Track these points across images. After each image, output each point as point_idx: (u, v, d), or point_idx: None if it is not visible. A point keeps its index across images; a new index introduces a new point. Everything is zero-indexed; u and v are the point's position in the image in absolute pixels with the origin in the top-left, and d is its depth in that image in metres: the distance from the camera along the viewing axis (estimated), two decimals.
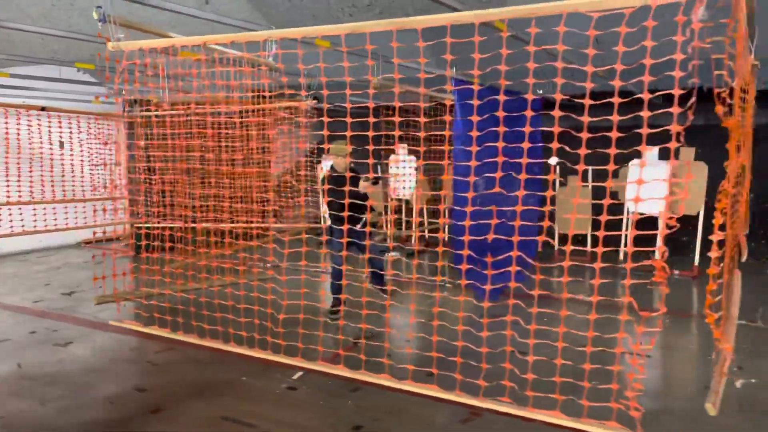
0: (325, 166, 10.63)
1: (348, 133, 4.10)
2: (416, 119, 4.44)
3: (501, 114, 3.41)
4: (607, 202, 3.59)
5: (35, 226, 7.88)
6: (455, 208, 5.46)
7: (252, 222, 7.79)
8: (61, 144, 7.11)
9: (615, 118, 2.81)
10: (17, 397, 4.43)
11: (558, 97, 2.97)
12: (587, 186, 9.50)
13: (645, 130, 2.52)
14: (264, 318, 5.05)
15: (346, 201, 4.61)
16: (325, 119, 4.10)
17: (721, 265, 2.80)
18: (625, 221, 8.95)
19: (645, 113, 2.53)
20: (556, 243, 9.75)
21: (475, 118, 3.89)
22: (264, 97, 6.66)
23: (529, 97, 3.24)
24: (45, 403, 4.30)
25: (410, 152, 10.34)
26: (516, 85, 4.00)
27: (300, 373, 4.76)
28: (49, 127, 7.65)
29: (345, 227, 5.04)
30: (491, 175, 4.28)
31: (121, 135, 7.69)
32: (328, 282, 6.32)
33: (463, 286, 4.43)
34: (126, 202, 8.70)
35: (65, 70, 7.79)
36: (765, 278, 8.44)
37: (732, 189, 4.86)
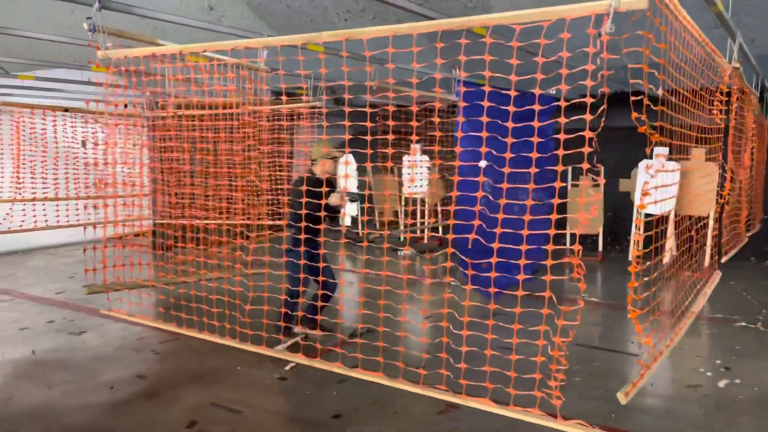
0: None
1: (368, 137, 4.03)
2: (424, 120, 4.47)
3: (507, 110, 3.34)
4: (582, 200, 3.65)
5: (57, 221, 8.28)
6: (460, 208, 5.55)
7: (264, 220, 8.05)
8: (83, 143, 7.48)
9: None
10: (27, 380, 4.75)
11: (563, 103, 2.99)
12: (599, 186, 9.49)
13: (562, 136, 2.62)
14: (260, 313, 5.26)
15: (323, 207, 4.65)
16: (346, 123, 4.04)
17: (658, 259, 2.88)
18: (634, 221, 8.90)
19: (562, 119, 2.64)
20: (567, 243, 9.76)
21: (484, 119, 3.84)
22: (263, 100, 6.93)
23: (536, 102, 3.22)
24: (52, 387, 4.60)
25: (424, 152, 10.48)
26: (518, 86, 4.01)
27: (292, 365, 4.96)
28: (73, 126, 8.05)
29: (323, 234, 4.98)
30: (500, 169, 4.27)
31: (141, 136, 8.02)
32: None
33: (469, 286, 4.49)
34: (146, 200, 9.05)
35: (87, 73, 8.17)
36: None
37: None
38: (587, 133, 2.41)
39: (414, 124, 4.35)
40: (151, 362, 5.15)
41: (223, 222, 6.37)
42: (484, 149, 4.27)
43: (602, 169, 9.66)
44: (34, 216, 8.50)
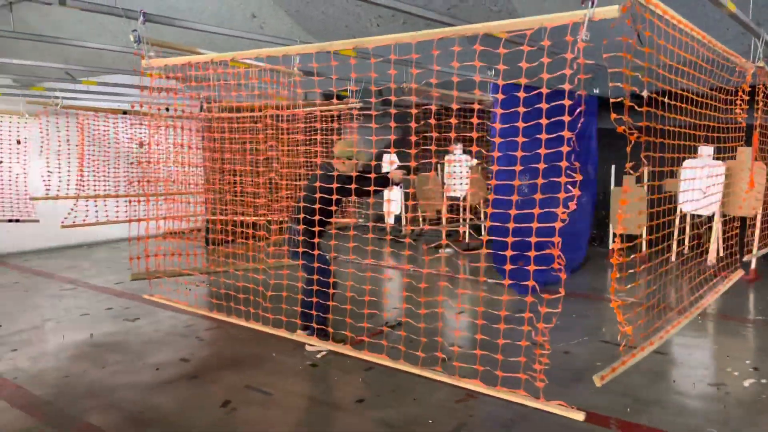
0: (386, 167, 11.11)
1: (413, 138, 4.11)
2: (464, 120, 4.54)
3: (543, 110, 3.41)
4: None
5: (117, 217, 8.84)
6: (495, 210, 5.61)
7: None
8: (141, 144, 8.00)
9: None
10: (84, 360, 5.21)
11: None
12: (642, 186, 9.39)
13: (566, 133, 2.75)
14: (296, 302, 5.54)
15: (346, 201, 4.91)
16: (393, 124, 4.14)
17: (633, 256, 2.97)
18: (678, 221, 8.79)
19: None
20: (610, 242, 9.69)
21: (520, 124, 3.92)
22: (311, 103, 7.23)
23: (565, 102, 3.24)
24: (104, 367, 5.04)
25: (465, 152, 10.60)
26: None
27: (324, 353, 5.24)
28: (131, 128, 8.62)
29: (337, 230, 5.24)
30: (535, 165, 4.31)
31: (193, 137, 8.51)
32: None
33: (506, 284, 4.55)
34: (201, 198, 9.54)
35: (146, 79, 8.72)
36: None
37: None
38: (566, 134, 2.55)
39: (453, 121, 4.46)
40: (195, 347, 5.53)
41: (265, 218, 6.71)
42: (519, 152, 4.40)
43: (646, 169, 9.57)
44: (96, 211, 9.13)
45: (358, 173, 5.08)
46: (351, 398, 4.42)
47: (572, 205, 2.96)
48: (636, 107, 2.50)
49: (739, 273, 5.06)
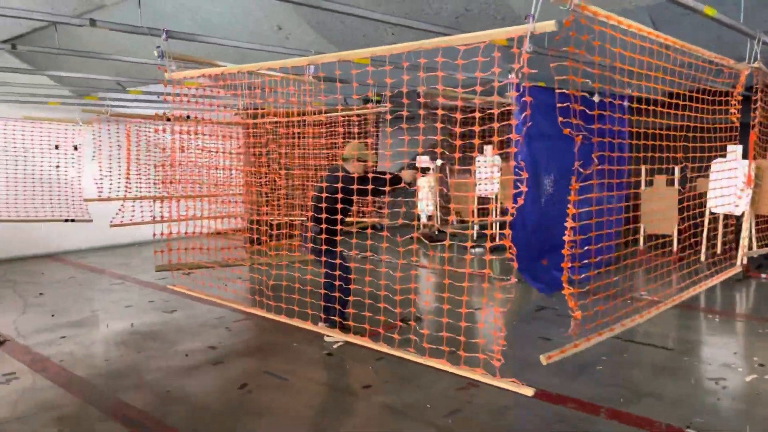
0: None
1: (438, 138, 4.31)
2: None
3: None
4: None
5: (162, 217, 9.41)
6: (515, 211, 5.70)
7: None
8: (182, 149, 8.50)
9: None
10: (123, 346, 5.71)
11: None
12: (673, 186, 9.36)
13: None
14: (318, 296, 5.88)
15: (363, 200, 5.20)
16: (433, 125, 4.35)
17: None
18: (706, 220, 8.72)
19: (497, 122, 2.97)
20: (641, 242, 9.69)
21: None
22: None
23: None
24: (140, 352, 5.51)
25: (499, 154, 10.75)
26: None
27: (340, 343, 5.57)
28: (186, 133, 9.17)
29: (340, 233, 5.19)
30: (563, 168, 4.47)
31: (234, 142, 9.01)
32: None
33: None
34: (243, 199, 10.05)
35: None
36: None
37: None
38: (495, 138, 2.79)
39: (476, 128, 4.66)
40: (223, 336, 5.96)
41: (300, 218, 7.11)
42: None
43: (678, 169, 9.52)
44: (142, 212, 9.75)
45: (368, 174, 5.35)
46: (359, 384, 4.74)
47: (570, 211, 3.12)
48: (587, 111, 2.71)
49: (736, 269, 5.11)
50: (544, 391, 4.51)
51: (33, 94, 8.85)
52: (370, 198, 5.30)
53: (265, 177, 8.00)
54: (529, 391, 2.97)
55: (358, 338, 4.46)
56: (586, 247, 4.63)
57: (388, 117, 4.41)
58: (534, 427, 3.98)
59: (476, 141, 3.49)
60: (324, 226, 5.32)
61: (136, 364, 5.23)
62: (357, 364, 5.15)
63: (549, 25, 2.44)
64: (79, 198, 9.60)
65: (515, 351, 5.32)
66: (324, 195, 5.45)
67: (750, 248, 7.75)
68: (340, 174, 5.30)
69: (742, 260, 5.59)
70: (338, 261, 5.13)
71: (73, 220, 9.44)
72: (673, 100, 3.88)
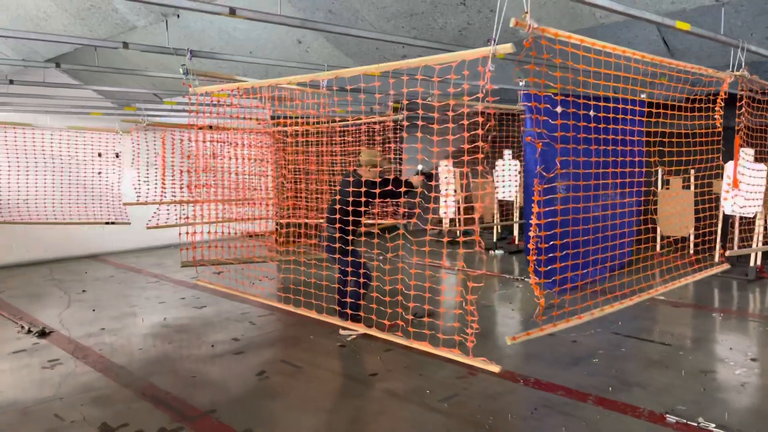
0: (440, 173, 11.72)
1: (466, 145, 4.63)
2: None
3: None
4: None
5: (194, 219, 9.99)
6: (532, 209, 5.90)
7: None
8: (213, 155, 9.06)
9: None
10: (156, 337, 6.21)
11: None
12: (689, 188, 9.48)
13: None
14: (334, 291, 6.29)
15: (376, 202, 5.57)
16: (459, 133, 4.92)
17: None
18: (720, 222, 8.82)
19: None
20: (657, 244, 9.82)
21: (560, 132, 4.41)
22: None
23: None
24: (171, 343, 6.01)
25: (515, 156, 11.03)
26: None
27: (354, 336, 5.97)
28: (207, 141, 9.75)
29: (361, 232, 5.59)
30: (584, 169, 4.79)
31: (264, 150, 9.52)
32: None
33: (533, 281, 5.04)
34: (272, 203, 10.55)
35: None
36: None
37: None
38: (476, 144, 3.14)
39: (480, 132, 5.03)
40: (246, 330, 6.41)
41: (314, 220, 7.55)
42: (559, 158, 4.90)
43: (692, 171, 9.63)
44: (176, 214, 10.34)
45: (379, 179, 5.73)
46: (367, 372, 5.13)
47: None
48: (551, 120, 3.05)
49: (724, 266, 5.32)
50: (537, 380, 4.83)
51: (77, 105, 9.53)
52: (377, 200, 5.67)
53: (291, 182, 8.48)
54: (495, 368, 3.30)
55: (365, 327, 4.86)
56: (592, 247, 4.94)
57: (405, 124, 4.77)
58: (519, 409, 4.30)
59: (486, 145, 3.81)
60: (338, 225, 5.73)
61: (167, 353, 5.72)
62: (367, 354, 5.54)
63: (507, 48, 2.79)
64: (119, 202, 10.25)
65: (516, 345, 5.62)
66: (338, 197, 5.87)
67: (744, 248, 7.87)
68: (351, 179, 5.72)
69: (723, 257, 5.80)
70: (350, 258, 5.54)
71: (113, 223, 10.08)
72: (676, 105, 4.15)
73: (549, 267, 5.45)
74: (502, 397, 4.53)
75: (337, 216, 5.71)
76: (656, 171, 9.81)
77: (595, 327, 6.19)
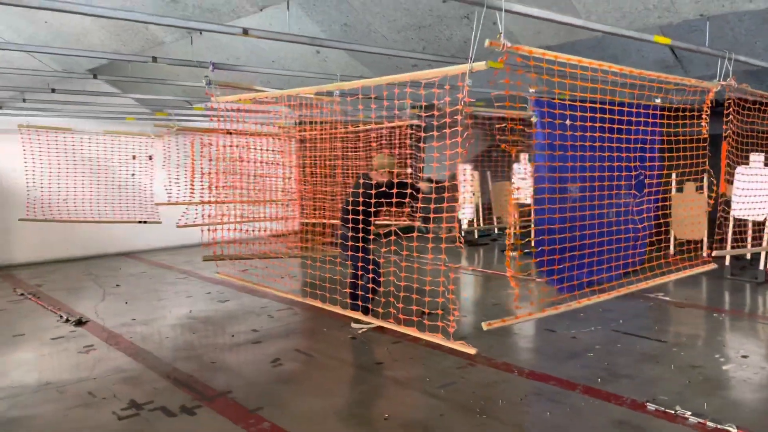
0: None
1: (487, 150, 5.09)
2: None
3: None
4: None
5: (221, 219, 10.51)
6: (542, 212, 6.11)
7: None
8: (240, 158, 9.55)
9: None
10: (181, 328, 6.69)
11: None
12: (702, 192, 9.60)
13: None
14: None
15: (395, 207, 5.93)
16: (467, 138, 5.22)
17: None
18: (731, 225, 8.95)
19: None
20: (671, 248, 9.96)
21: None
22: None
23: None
24: (195, 332, 6.48)
25: (531, 160, 11.29)
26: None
27: (364, 329, 6.34)
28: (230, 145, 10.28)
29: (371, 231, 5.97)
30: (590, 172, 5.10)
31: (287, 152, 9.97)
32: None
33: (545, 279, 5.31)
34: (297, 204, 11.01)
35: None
36: None
37: None
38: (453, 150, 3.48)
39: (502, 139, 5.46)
40: (265, 322, 6.85)
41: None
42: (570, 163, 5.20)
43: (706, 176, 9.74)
44: (202, 215, 10.88)
45: (392, 183, 6.10)
46: (373, 362, 5.50)
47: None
48: (525, 129, 3.38)
49: (711, 266, 5.54)
50: (532, 371, 5.14)
51: (113, 111, 10.14)
52: (386, 202, 6.02)
53: (311, 185, 8.90)
54: (472, 350, 3.64)
55: (373, 318, 5.25)
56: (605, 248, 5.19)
57: (422, 124, 5.13)
58: (511, 396, 4.61)
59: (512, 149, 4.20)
60: (351, 225, 6.11)
61: (190, 341, 6.19)
62: (375, 346, 5.91)
63: (481, 65, 3.14)
64: (151, 202, 10.83)
65: (518, 339, 6.03)
66: (350, 199, 6.26)
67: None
68: (362, 181, 6.11)
69: (710, 257, 6.05)
70: (360, 254, 5.93)
71: (145, 222, 10.65)
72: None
73: (558, 266, 5.75)
74: (496, 385, 4.86)
75: (350, 216, 6.10)
76: (670, 174, 9.95)
77: (596, 324, 6.46)
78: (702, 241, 9.79)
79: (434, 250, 4.42)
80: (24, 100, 8.82)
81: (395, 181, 6.20)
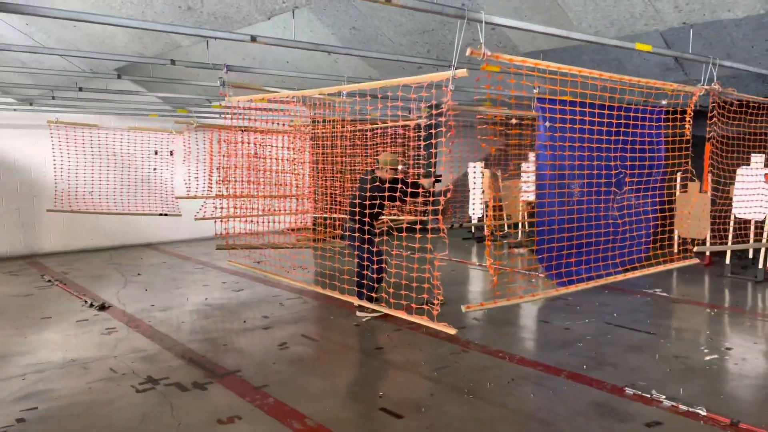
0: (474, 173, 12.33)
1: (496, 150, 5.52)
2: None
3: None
4: None
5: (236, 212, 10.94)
6: (542, 208, 6.33)
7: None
8: (256, 155, 9.96)
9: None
10: (196, 314, 7.11)
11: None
12: (706, 192, 9.76)
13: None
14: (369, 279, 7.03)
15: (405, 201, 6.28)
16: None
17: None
18: (731, 224, 9.13)
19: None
20: (675, 246, 10.15)
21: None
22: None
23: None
24: (209, 318, 6.89)
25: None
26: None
27: (368, 317, 6.70)
28: (251, 142, 10.71)
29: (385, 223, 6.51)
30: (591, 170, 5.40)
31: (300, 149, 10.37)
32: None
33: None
34: (309, 199, 11.40)
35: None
36: None
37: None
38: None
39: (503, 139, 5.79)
40: (276, 309, 7.24)
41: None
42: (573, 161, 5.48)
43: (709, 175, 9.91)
44: (221, 208, 11.33)
45: (395, 179, 6.45)
46: (373, 347, 5.86)
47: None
48: (506, 129, 3.70)
49: (693, 261, 5.79)
50: (522, 358, 5.44)
51: (137, 108, 10.62)
52: (386, 195, 6.35)
53: (324, 180, 9.28)
54: (452, 331, 3.97)
55: (377, 305, 5.62)
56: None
57: (431, 131, 5.44)
58: (498, 380, 4.92)
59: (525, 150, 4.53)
60: (357, 218, 6.48)
61: (205, 326, 6.60)
62: (377, 333, 6.27)
63: (462, 72, 3.46)
64: (172, 195, 11.30)
65: (513, 329, 6.33)
66: (357, 194, 6.62)
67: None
68: (369, 177, 6.47)
69: (692, 252, 6.32)
70: (366, 245, 6.30)
71: (166, 214, 11.14)
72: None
73: (555, 262, 6.04)
74: (487, 370, 5.18)
75: (357, 210, 6.46)
76: (674, 175, 10.15)
77: (591, 317, 6.73)
78: (706, 239, 9.97)
79: (433, 243, 4.76)
80: (53, 98, 9.33)
81: (399, 177, 6.55)
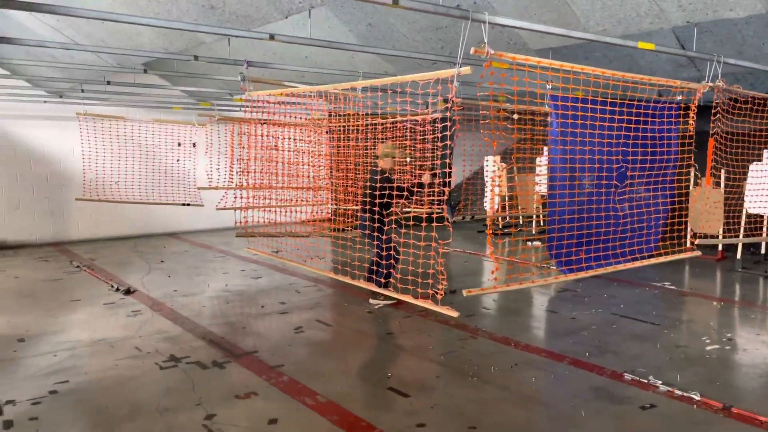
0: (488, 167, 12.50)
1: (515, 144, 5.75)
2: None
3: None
4: None
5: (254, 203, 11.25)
6: (553, 200, 6.49)
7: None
8: (275, 147, 10.24)
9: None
10: (216, 299, 7.42)
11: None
12: (720, 187, 9.81)
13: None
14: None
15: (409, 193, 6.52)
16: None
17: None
18: (743, 220, 9.19)
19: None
20: (687, 241, 10.22)
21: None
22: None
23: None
24: (228, 303, 7.20)
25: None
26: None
27: (381, 305, 6.95)
28: (269, 134, 10.99)
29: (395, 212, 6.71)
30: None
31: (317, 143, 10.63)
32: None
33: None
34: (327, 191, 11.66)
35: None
36: None
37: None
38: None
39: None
40: (292, 296, 7.52)
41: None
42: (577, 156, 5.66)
43: (723, 171, 9.95)
44: (242, 198, 11.66)
45: (392, 170, 6.70)
46: (384, 332, 6.11)
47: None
48: (508, 125, 3.90)
49: (695, 253, 5.92)
50: (527, 345, 5.65)
51: (162, 101, 10.98)
52: (386, 185, 6.58)
53: (342, 172, 9.54)
54: (454, 314, 4.19)
55: (391, 292, 5.88)
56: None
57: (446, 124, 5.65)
58: (502, 364, 5.14)
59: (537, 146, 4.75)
60: (368, 207, 6.72)
61: (224, 310, 6.90)
62: (388, 319, 6.51)
63: (466, 70, 3.67)
64: (194, 186, 11.65)
65: (521, 318, 6.53)
66: (368, 183, 6.87)
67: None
68: (378, 169, 6.72)
69: (694, 245, 6.46)
70: (376, 234, 6.55)
71: (188, 204, 11.49)
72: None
73: (566, 251, 6.21)
74: (492, 355, 5.39)
75: (368, 199, 6.71)
76: (688, 170, 10.20)
77: (598, 308, 6.90)
78: (718, 233, 10.03)
79: (440, 233, 4.99)
80: (82, 90, 9.70)
81: (396, 168, 6.78)
